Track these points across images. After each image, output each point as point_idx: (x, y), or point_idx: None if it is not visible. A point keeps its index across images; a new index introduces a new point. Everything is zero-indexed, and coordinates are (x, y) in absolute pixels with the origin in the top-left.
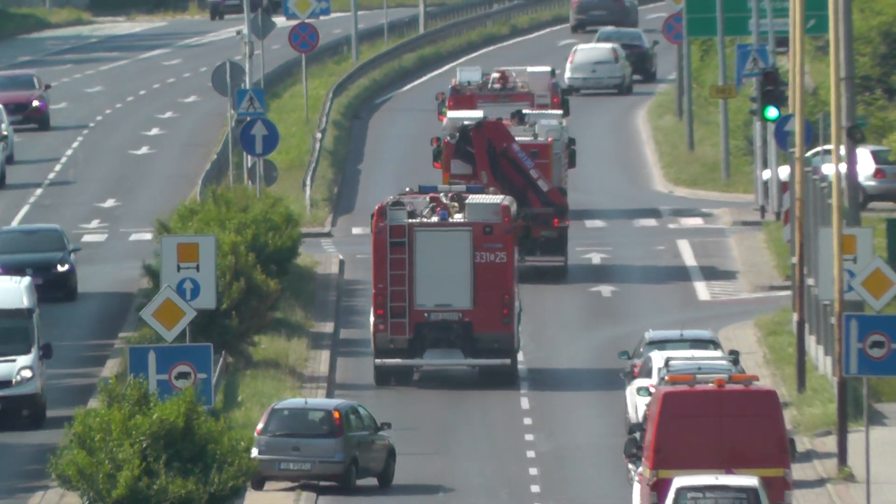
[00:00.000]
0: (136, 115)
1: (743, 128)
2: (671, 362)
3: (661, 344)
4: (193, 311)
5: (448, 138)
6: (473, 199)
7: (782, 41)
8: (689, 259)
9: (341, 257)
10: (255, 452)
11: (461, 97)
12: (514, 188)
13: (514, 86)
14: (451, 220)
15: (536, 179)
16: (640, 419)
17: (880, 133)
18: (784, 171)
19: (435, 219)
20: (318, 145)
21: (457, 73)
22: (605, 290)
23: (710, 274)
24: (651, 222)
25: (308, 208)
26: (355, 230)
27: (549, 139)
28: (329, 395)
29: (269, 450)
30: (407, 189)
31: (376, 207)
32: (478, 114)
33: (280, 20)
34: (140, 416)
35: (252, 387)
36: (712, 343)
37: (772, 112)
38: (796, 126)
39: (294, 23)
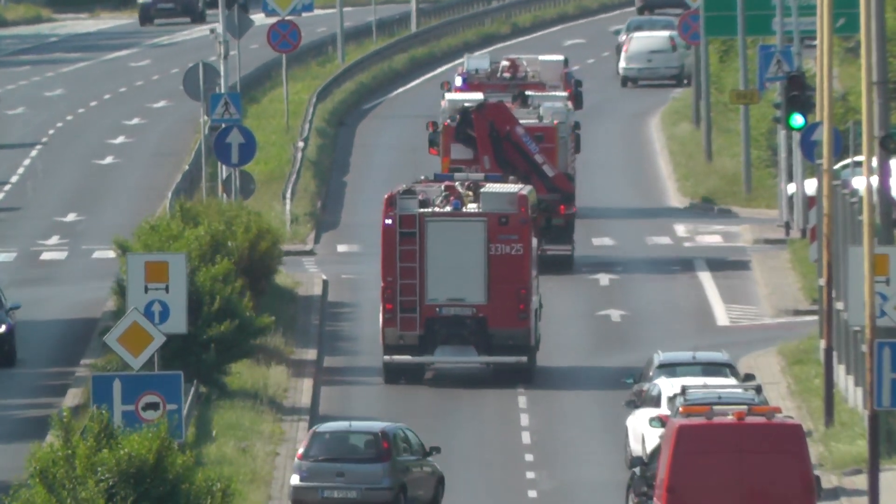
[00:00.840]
0: (101, 122)
1: (766, 137)
2: (689, 391)
3: (671, 368)
4: (163, 337)
5: (448, 121)
6: (489, 188)
7: (809, 42)
8: (707, 280)
9: (325, 277)
10: (295, 479)
11: (469, 86)
12: (518, 173)
13: (525, 75)
14: (464, 209)
15: (541, 164)
16: (648, 453)
17: None
18: (811, 185)
19: (448, 208)
20: (299, 155)
21: (465, 61)
22: (615, 314)
23: (730, 297)
24: (665, 240)
25: (289, 224)
26: (340, 248)
27: (555, 122)
28: (311, 427)
29: (312, 476)
30: (422, 177)
31: (386, 196)
32: (478, 96)
33: (258, 17)
34: (107, 450)
35: (227, 419)
36: (728, 367)
37: (797, 120)
38: (824, 135)
39: (274, 20)
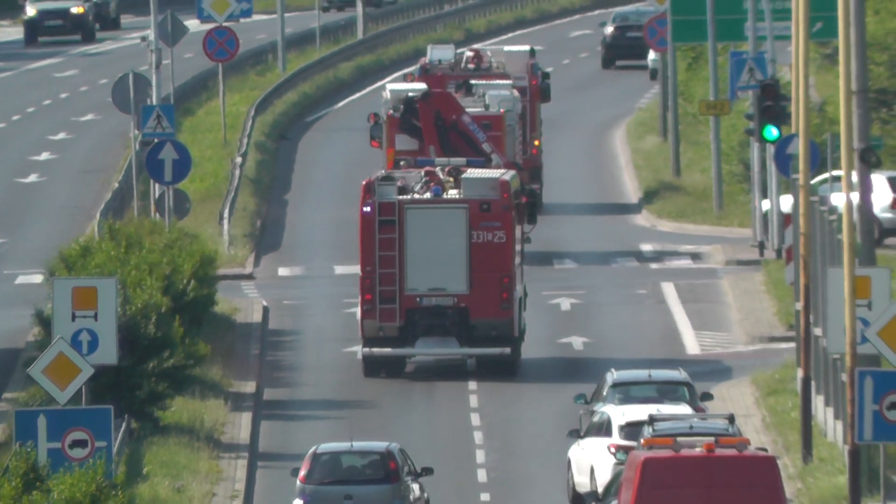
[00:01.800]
0: (24, 137)
1: (738, 150)
2: (657, 422)
3: (626, 386)
4: (91, 368)
5: (391, 111)
6: (470, 173)
7: (783, 48)
8: (676, 305)
9: (265, 303)
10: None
11: (431, 78)
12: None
13: (490, 66)
14: (445, 196)
15: (490, 153)
16: (603, 486)
17: None
18: (786, 202)
19: (428, 195)
20: (237, 171)
21: (427, 50)
22: (577, 341)
23: (700, 323)
24: (630, 262)
25: (226, 245)
26: (282, 271)
27: (502, 110)
28: (251, 465)
29: (317, 500)
30: (402, 163)
31: (363, 183)
32: (421, 85)
33: (193, 24)
34: (38, 493)
35: (160, 456)
36: (685, 385)
37: (772, 132)
38: (800, 148)
39: (210, 27)
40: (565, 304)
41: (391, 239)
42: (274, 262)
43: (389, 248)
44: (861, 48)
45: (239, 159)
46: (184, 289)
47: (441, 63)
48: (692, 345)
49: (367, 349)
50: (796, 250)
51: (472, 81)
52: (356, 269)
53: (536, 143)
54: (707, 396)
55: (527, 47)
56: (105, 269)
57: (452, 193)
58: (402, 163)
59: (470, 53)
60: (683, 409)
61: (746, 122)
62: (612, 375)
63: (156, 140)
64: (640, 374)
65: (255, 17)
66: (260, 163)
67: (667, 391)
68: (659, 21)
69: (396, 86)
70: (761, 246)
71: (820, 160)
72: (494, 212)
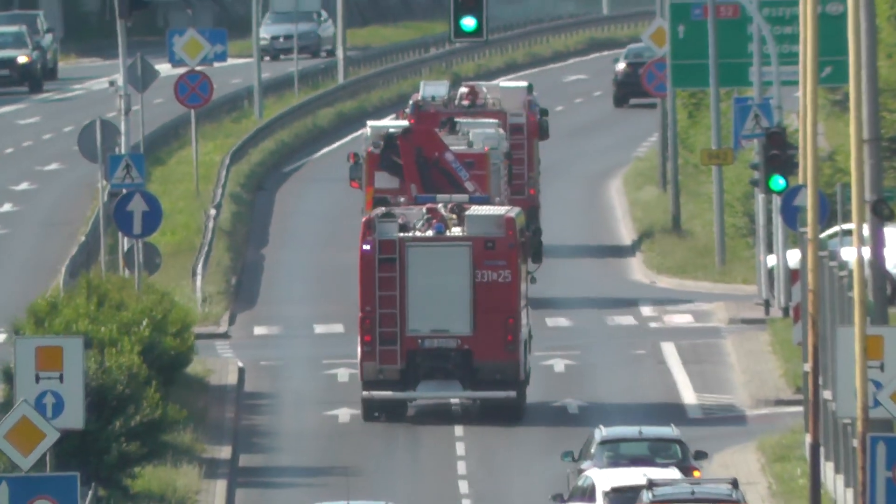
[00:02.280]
0: None
1: (742, 202)
2: (656, 488)
3: (615, 444)
4: (56, 433)
5: (371, 148)
6: (474, 210)
7: (790, 94)
8: (676, 366)
9: (240, 364)
10: None
11: (424, 114)
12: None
13: (485, 102)
14: (448, 233)
15: (473, 192)
16: None
17: None
18: (793, 257)
19: (430, 232)
20: (211, 224)
21: (420, 86)
22: (572, 404)
23: (702, 384)
24: (628, 320)
25: (199, 303)
26: (258, 330)
27: (486, 148)
28: None
29: None
30: (401, 199)
31: (364, 220)
32: (403, 122)
33: (164, 68)
34: None
35: None
36: (677, 443)
37: (778, 182)
38: (808, 200)
39: (182, 71)
40: (559, 365)
41: (392, 278)
42: (250, 320)
43: (390, 288)
44: (873, 94)
45: (213, 211)
46: (160, 351)
47: (434, 100)
48: (694, 408)
49: (366, 392)
50: (804, 308)
51: (457, 119)
52: (338, 327)
53: (532, 191)
54: (701, 455)
55: (524, 83)
56: (75, 328)
57: (455, 231)
58: (389, 199)
59: (465, 90)
60: (672, 472)
61: (751, 172)
62: (601, 432)
63: (124, 191)
64: (630, 430)
65: (231, 61)
66: (235, 215)
67: (658, 449)
68: (658, 65)
69: (377, 122)
70: (767, 304)
71: (829, 212)
72: (499, 250)
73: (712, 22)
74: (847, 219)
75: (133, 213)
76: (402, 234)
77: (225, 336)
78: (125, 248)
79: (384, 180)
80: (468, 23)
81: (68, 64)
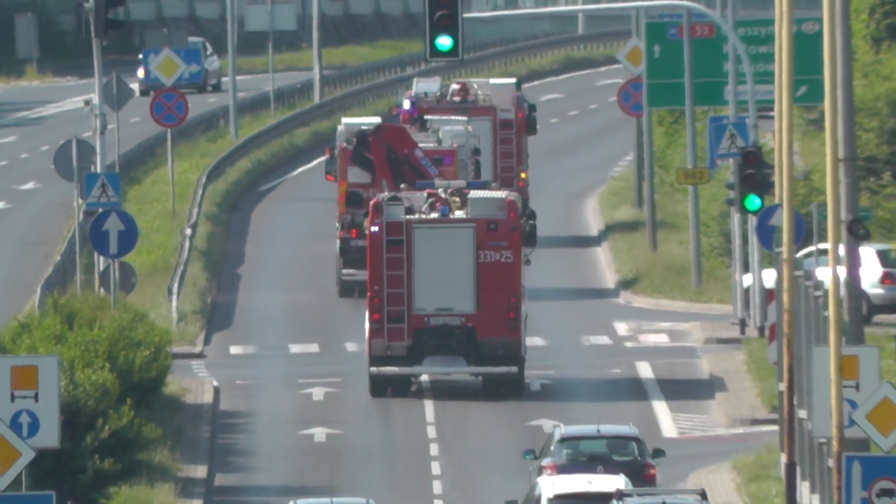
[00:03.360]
0: None
1: (718, 221)
2: (626, 497)
3: (574, 441)
4: (32, 452)
5: (344, 144)
6: (476, 193)
7: (766, 112)
8: (651, 385)
9: (216, 383)
10: None
11: (417, 110)
12: None
13: (476, 99)
14: (452, 216)
15: None
16: None
17: (888, 228)
18: (769, 276)
19: (435, 215)
20: (187, 244)
21: (413, 83)
22: (547, 424)
23: (678, 404)
24: (604, 339)
25: (175, 322)
26: (234, 349)
27: (455, 145)
28: None
29: None
30: (402, 185)
31: (371, 203)
32: (375, 119)
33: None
34: None
35: None
36: (634, 440)
37: (754, 202)
38: (784, 219)
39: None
40: (535, 384)
41: (399, 258)
42: (226, 339)
43: (397, 268)
44: (849, 114)
45: (189, 231)
46: (134, 371)
47: (427, 96)
48: (669, 427)
49: (374, 368)
50: (780, 328)
51: (427, 117)
52: (313, 347)
53: (523, 175)
54: (659, 453)
55: (513, 80)
56: (45, 347)
57: (459, 213)
58: (361, 194)
59: (456, 86)
60: (619, 478)
61: (727, 191)
62: (560, 430)
63: (100, 210)
64: (588, 428)
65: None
66: (211, 234)
67: (616, 446)
68: (634, 85)
69: (350, 119)
70: (742, 323)
71: (805, 232)
72: (501, 231)
73: (688, 41)
74: (823, 238)
75: (109, 232)
76: (408, 217)
77: (200, 355)
78: (101, 268)
79: (356, 175)
80: (444, 42)
81: (44, 83)
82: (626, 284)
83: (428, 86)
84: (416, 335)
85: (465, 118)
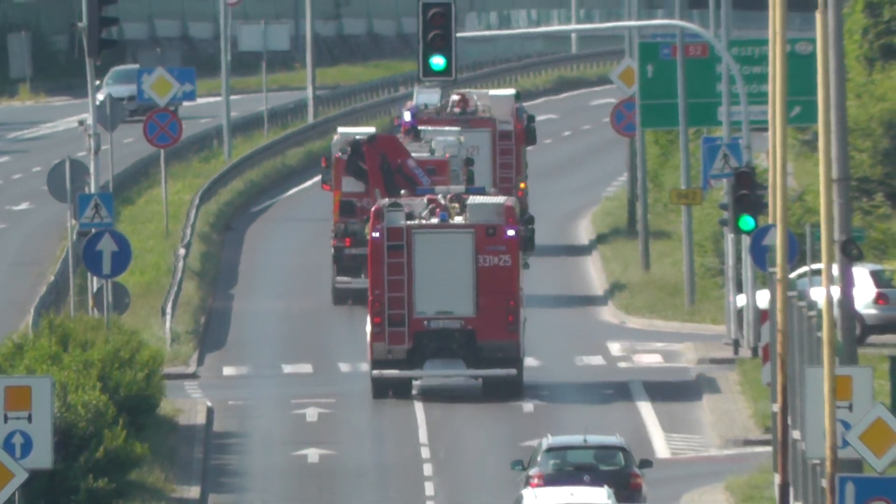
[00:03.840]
0: None
1: (711, 242)
2: None
3: (561, 451)
4: (25, 473)
5: (339, 154)
6: (475, 199)
7: (759, 133)
8: (645, 406)
9: (209, 404)
10: None
11: (418, 121)
12: None
13: (476, 110)
14: (451, 221)
15: None
16: None
17: (882, 249)
18: (763, 297)
19: (434, 220)
20: (180, 264)
21: (413, 94)
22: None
23: (671, 425)
24: (598, 360)
25: (168, 343)
26: (227, 370)
27: (447, 155)
28: None
29: None
30: (402, 192)
31: (372, 209)
32: (370, 129)
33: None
34: None
35: None
36: (621, 450)
37: (747, 222)
38: (778, 239)
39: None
40: (528, 405)
41: (399, 263)
42: (219, 360)
43: (398, 273)
44: (842, 134)
45: (182, 251)
46: (127, 392)
47: (427, 108)
48: (662, 448)
49: (376, 371)
50: (773, 348)
51: (420, 127)
52: (306, 367)
53: (522, 185)
54: (646, 463)
55: (512, 91)
56: (40, 368)
57: (459, 219)
58: (355, 202)
59: (456, 97)
60: (602, 491)
61: (720, 212)
62: (548, 440)
63: (93, 230)
64: (575, 438)
65: (200, 100)
66: (204, 254)
67: (603, 456)
68: (627, 105)
69: (345, 129)
70: (736, 344)
71: (798, 252)
72: (500, 236)
73: (681, 61)
74: (816, 259)
75: (102, 252)
76: (408, 222)
77: (194, 376)
78: (94, 288)
79: (350, 184)
80: (437, 62)
81: (38, 103)
82: (620, 304)
83: (428, 97)
84: (417, 338)
85: (458, 129)
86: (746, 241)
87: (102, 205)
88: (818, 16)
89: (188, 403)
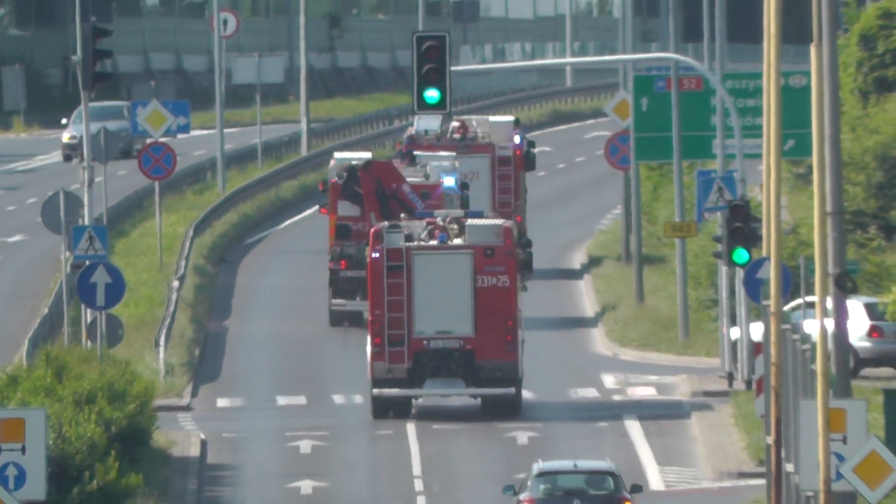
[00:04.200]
0: None
1: (705, 275)
2: None
3: (552, 476)
4: None
5: (335, 179)
6: (473, 221)
7: (754, 166)
8: (639, 439)
9: (203, 436)
10: None
11: (417, 148)
12: None
13: (475, 136)
14: (450, 243)
15: None
16: None
17: (876, 282)
18: (756, 330)
19: (434, 242)
20: (174, 296)
21: (414, 120)
22: None
23: (665, 458)
24: (591, 392)
25: (162, 374)
26: (221, 402)
27: (440, 180)
28: None
29: None
30: (402, 215)
31: (372, 230)
32: (366, 154)
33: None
34: None
35: None
36: (611, 475)
37: (741, 255)
38: (772, 272)
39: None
40: (522, 437)
41: (399, 284)
42: (213, 392)
43: (397, 293)
44: (836, 167)
45: (176, 283)
46: (119, 424)
47: (427, 133)
48: (656, 481)
49: (376, 391)
50: (767, 381)
51: (416, 153)
52: (300, 399)
53: (518, 219)
54: (637, 489)
55: (511, 117)
56: (34, 400)
57: (457, 241)
58: (350, 226)
59: (456, 124)
60: None
61: (714, 244)
62: (539, 465)
63: (87, 262)
64: (565, 463)
65: (194, 133)
66: (198, 287)
67: (593, 481)
68: (621, 138)
69: (342, 154)
70: (730, 377)
71: (792, 285)
72: (498, 257)
73: (675, 94)
74: (810, 291)
75: (96, 284)
76: (407, 244)
77: (187, 408)
78: (88, 320)
79: (346, 209)
80: (431, 95)
81: (32, 135)
82: (614, 337)
83: (428, 123)
84: (417, 358)
85: (453, 154)
86: (740, 273)
87: (96, 237)
88: (813, 49)
89: (182, 435)
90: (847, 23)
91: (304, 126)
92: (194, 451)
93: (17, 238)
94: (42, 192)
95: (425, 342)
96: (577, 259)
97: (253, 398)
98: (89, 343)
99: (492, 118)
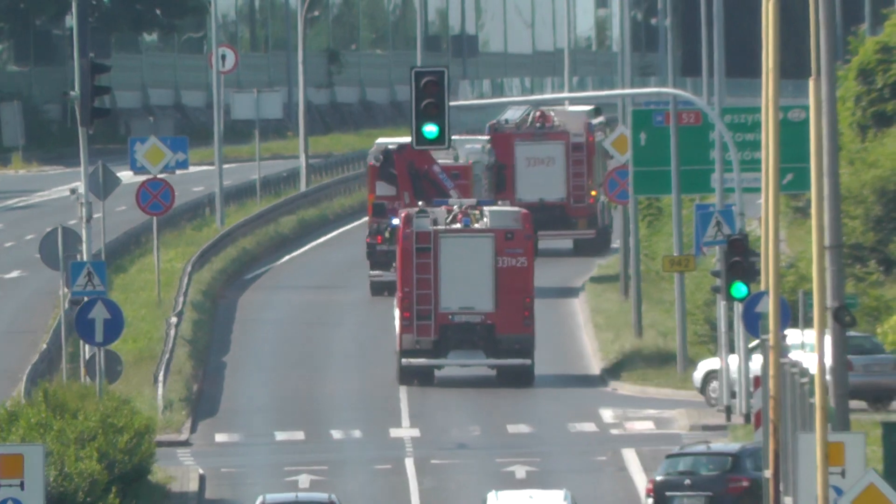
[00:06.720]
0: None
1: (704, 309)
2: None
3: None
4: None
5: (373, 161)
6: (495, 207)
7: (752, 201)
8: (638, 473)
9: (202, 472)
10: None
11: (499, 135)
12: None
13: (553, 125)
14: (474, 226)
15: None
16: None
17: (874, 315)
18: (755, 363)
19: (458, 225)
20: (173, 332)
21: (505, 109)
22: None
23: None
24: (589, 426)
25: (161, 410)
26: (219, 437)
27: (470, 161)
28: None
29: None
30: (420, 203)
31: (402, 215)
32: (405, 140)
33: (126, 175)
34: None
35: None
36: None
37: (740, 289)
38: (770, 306)
39: (143, 178)
40: (520, 471)
41: (427, 263)
42: (211, 427)
43: (425, 272)
44: (835, 201)
45: (174, 319)
46: (119, 460)
47: (508, 123)
48: None
49: (405, 360)
50: (765, 414)
51: (454, 137)
52: (299, 434)
53: (593, 192)
54: None
55: (588, 107)
56: (33, 436)
57: (479, 224)
58: (385, 205)
59: (537, 114)
60: (558, 493)
61: (713, 279)
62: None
63: (86, 298)
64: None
65: (192, 169)
66: (196, 323)
67: None
68: (620, 172)
69: (382, 139)
70: (728, 410)
71: (791, 319)
72: (517, 240)
73: (674, 129)
74: (808, 325)
75: (95, 320)
76: (435, 227)
77: (186, 444)
78: (86, 356)
79: (383, 189)
80: (430, 130)
81: (30, 172)
82: (612, 371)
83: (513, 113)
84: (442, 331)
85: (486, 138)
86: (739, 307)
87: (95, 273)
88: (812, 83)
89: (180, 471)
90: (852, 52)
91: (302, 161)
92: (193, 486)
93: (15, 274)
94: (40, 228)
95: (450, 316)
96: (576, 294)
97: (251, 433)
98: (88, 379)
99: (569, 108)
